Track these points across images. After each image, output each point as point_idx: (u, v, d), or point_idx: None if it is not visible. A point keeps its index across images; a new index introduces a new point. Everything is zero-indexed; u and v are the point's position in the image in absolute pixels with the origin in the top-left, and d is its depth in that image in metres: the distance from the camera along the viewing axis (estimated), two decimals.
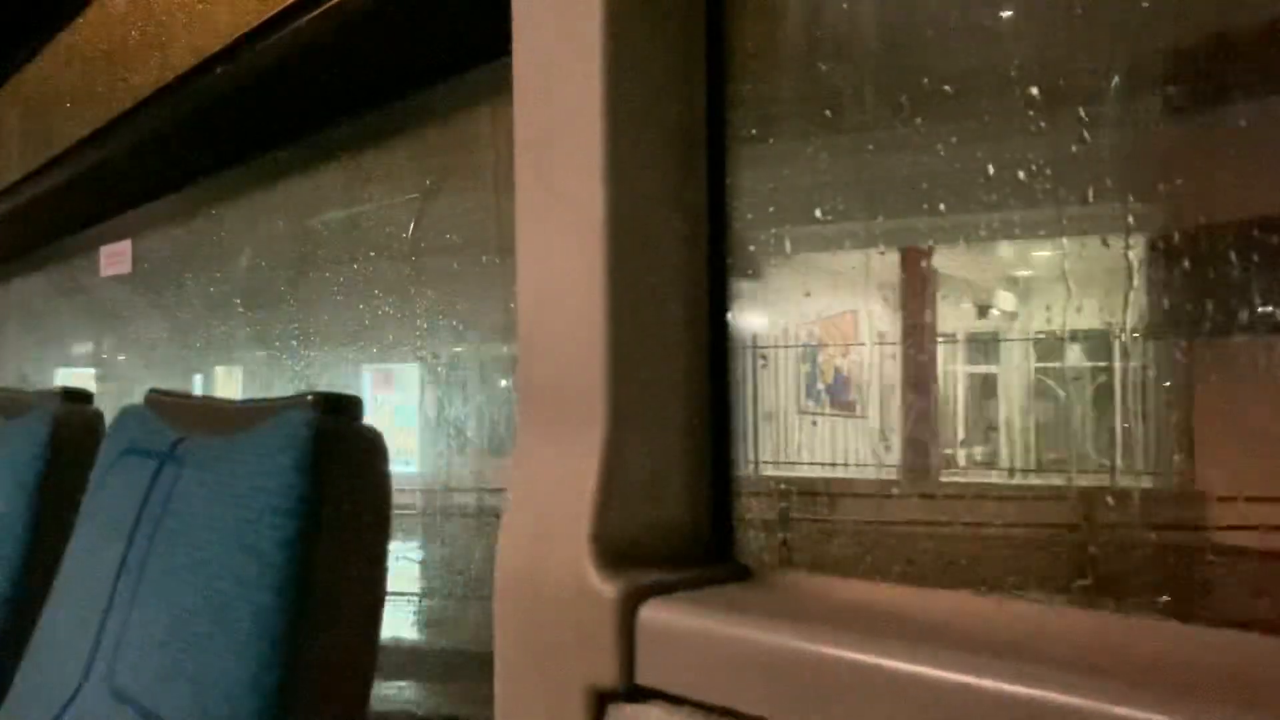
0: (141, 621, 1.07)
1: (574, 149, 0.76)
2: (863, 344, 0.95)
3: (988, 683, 0.52)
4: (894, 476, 0.98)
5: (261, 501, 0.92)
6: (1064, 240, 0.72)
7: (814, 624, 0.62)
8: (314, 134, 1.50)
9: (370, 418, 0.98)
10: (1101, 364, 0.75)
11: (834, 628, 0.60)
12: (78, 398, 1.70)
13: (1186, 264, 0.64)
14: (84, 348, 3.02)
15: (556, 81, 0.77)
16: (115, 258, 2.30)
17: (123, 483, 1.25)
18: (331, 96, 1.38)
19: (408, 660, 1.53)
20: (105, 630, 1.14)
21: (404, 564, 1.47)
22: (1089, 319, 0.73)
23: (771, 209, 0.82)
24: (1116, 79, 0.67)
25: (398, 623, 1.53)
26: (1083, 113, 0.68)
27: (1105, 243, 0.68)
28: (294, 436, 0.92)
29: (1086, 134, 0.68)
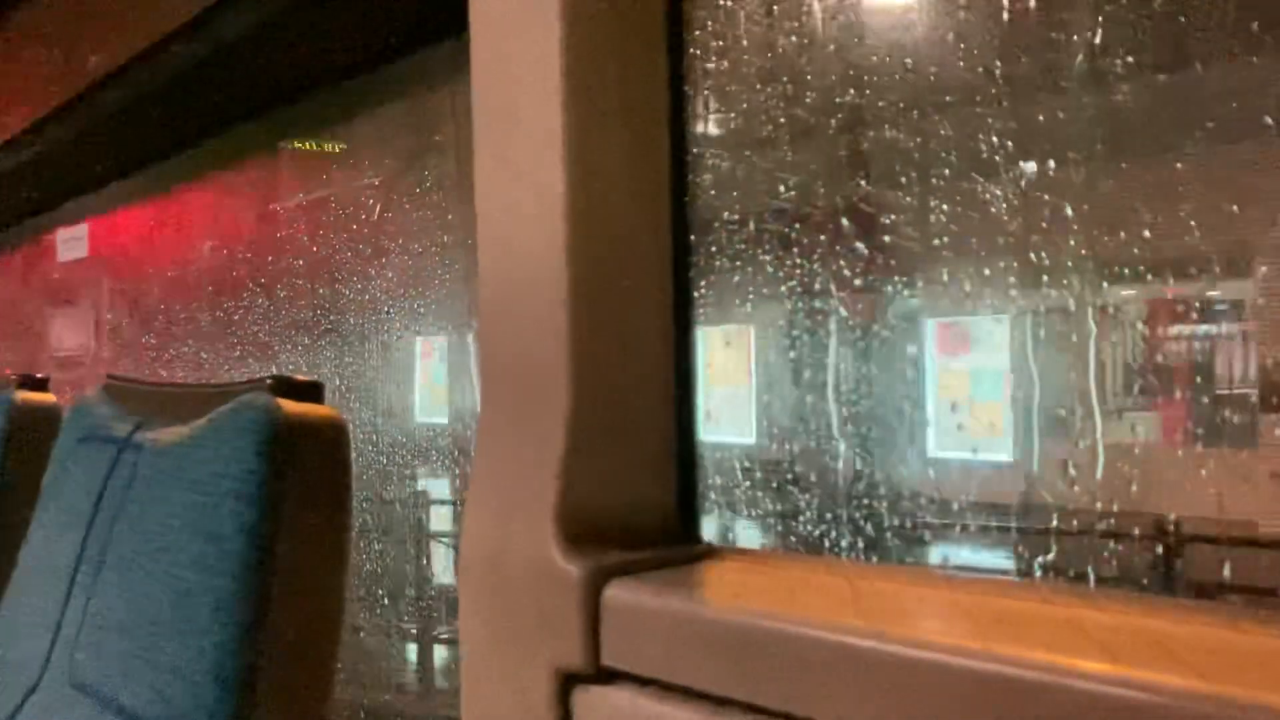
0: (102, 610, 1.05)
1: (533, 127, 0.75)
2: None
3: (950, 659, 0.52)
4: None
5: (221, 487, 0.91)
6: None
7: (779, 603, 0.62)
8: (272, 113, 1.48)
9: (938, 385, 0.75)
10: None
11: (799, 607, 0.60)
12: (34, 385, 1.67)
13: None
14: None
15: (514, 59, 0.76)
16: (72, 242, 2.27)
17: (81, 471, 1.23)
18: (288, 76, 1.36)
19: None
20: (65, 620, 1.13)
21: None
22: None
23: None
24: None
25: None
26: None
27: None
28: (253, 421, 0.90)
29: None
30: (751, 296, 0.81)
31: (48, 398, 1.65)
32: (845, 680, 0.55)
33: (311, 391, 0.96)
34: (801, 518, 0.76)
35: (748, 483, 0.81)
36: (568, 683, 0.71)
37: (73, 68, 1.77)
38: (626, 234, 0.76)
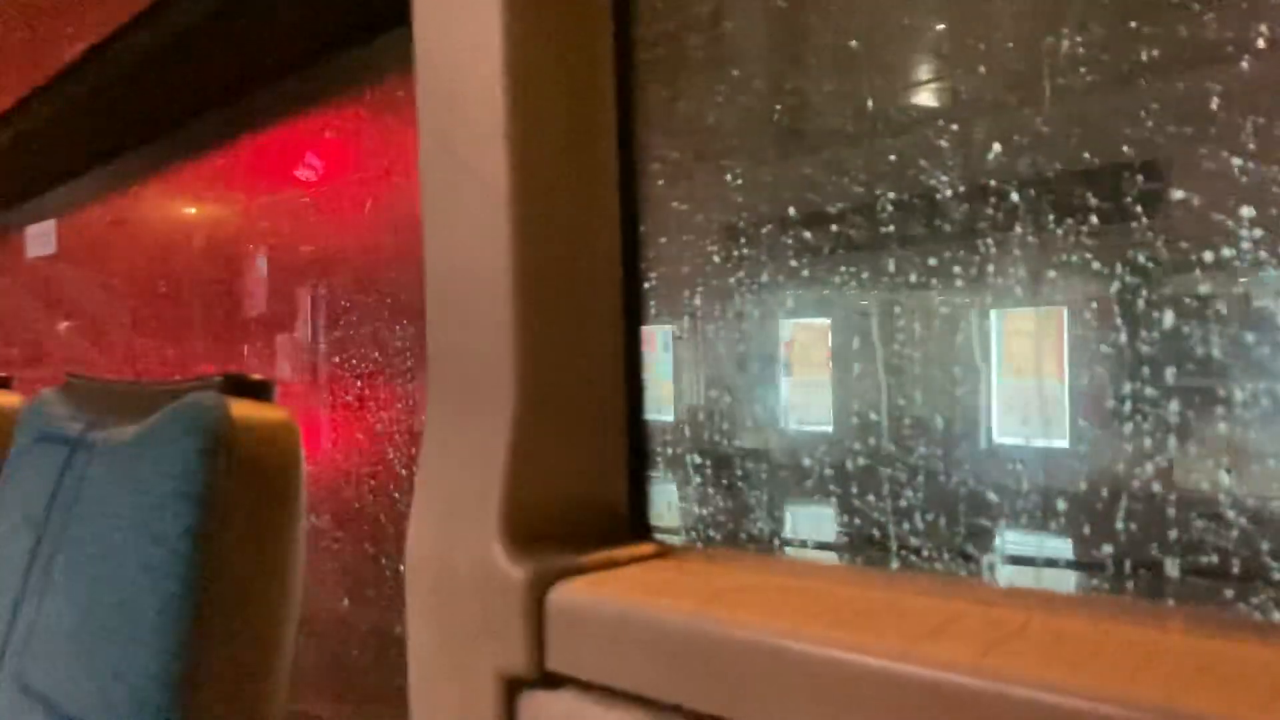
0: (51, 614, 1.03)
1: (476, 116, 0.72)
2: None
3: (896, 665, 0.50)
4: None
5: (167, 488, 0.88)
6: None
7: (726, 607, 0.60)
8: (225, 107, 1.46)
9: None
10: None
11: (747, 611, 0.58)
12: None
13: None
14: None
15: (457, 47, 0.74)
16: (40, 238, 2.24)
17: (35, 471, 1.20)
18: (238, 67, 1.34)
19: None
20: (16, 623, 1.10)
21: None
22: None
23: None
24: None
25: None
26: None
27: None
28: (198, 420, 0.88)
29: None
30: (1057, 271, 0.63)
31: (9, 397, 1.63)
32: (790, 687, 0.53)
33: (261, 389, 0.94)
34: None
35: (1056, 502, 0.63)
36: (513, 688, 0.69)
37: (32, 59, 1.73)
38: (573, 225, 0.74)
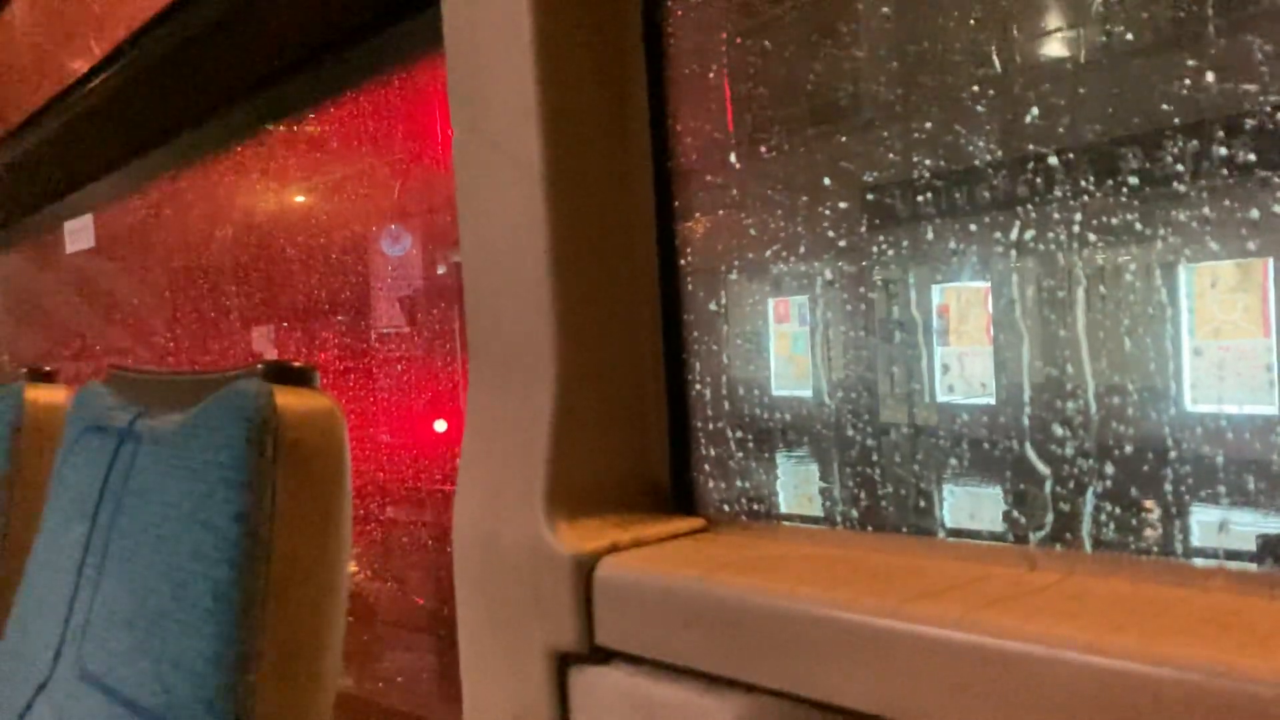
0: (107, 602, 1.05)
1: (507, 95, 0.72)
2: None
3: (948, 634, 0.50)
4: None
5: (215, 475, 0.89)
6: None
7: (773, 578, 0.60)
8: (258, 95, 1.46)
9: None
10: None
11: (794, 582, 0.58)
12: (43, 378, 1.67)
13: None
14: None
15: (486, 27, 0.74)
16: (79, 233, 2.28)
17: (85, 462, 1.22)
18: (268, 54, 1.34)
19: None
20: (73, 613, 1.12)
21: None
22: None
23: None
24: None
25: None
26: None
27: None
28: (244, 408, 0.89)
29: None
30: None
31: (57, 390, 1.65)
32: (840, 657, 0.53)
33: (305, 375, 0.94)
34: None
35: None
36: (563, 663, 0.70)
37: (60, 59, 1.75)
38: (607, 201, 0.74)
